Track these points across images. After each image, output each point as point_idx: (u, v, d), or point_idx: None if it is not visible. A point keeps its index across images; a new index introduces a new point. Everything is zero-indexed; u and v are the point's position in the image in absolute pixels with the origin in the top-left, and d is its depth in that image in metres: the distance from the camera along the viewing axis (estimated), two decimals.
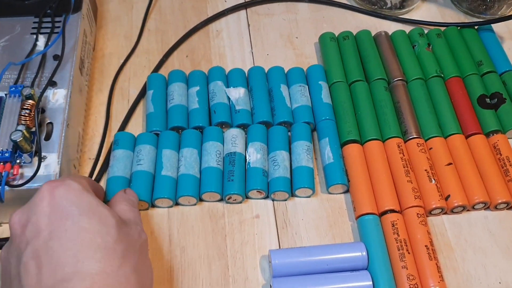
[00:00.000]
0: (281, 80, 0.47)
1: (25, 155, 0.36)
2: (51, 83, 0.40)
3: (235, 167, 0.41)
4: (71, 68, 0.42)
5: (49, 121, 0.38)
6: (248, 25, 0.54)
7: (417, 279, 0.36)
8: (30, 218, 0.29)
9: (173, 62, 0.50)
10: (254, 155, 0.42)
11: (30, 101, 0.37)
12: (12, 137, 0.34)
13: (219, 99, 0.45)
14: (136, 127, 0.46)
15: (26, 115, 0.36)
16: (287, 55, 0.51)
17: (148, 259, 0.33)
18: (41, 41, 0.43)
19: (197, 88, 0.46)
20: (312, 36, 0.53)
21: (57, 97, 0.40)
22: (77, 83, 0.42)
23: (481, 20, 0.55)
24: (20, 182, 0.35)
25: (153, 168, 0.41)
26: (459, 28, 0.52)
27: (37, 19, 0.45)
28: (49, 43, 0.42)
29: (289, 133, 0.44)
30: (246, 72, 0.48)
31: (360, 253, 0.37)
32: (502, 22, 0.52)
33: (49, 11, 0.45)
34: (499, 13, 0.55)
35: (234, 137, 0.42)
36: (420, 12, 0.56)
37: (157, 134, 0.43)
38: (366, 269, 0.37)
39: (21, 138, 0.35)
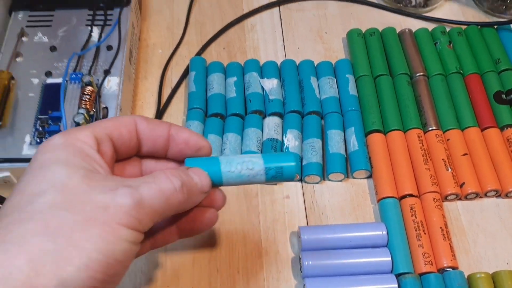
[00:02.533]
0: (311, 72, 0.51)
1: None
2: (106, 72, 0.44)
3: (277, 152, 0.45)
4: (123, 58, 0.46)
5: (104, 106, 0.43)
6: (281, 20, 0.57)
7: (431, 257, 0.40)
8: None
9: (211, 53, 0.54)
10: (293, 141, 0.46)
11: (90, 88, 0.41)
12: (75, 119, 0.39)
13: (254, 89, 0.49)
14: (177, 107, 0.50)
15: (87, 99, 0.41)
16: (317, 49, 0.55)
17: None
18: (95, 32, 0.48)
19: (234, 78, 0.50)
20: (340, 32, 0.57)
21: (111, 84, 0.44)
22: (127, 72, 0.47)
23: (501, 20, 0.58)
24: None
25: None
26: (479, 27, 0.56)
27: (91, 12, 0.49)
28: (102, 35, 0.47)
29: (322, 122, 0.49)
30: (278, 64, 0.52)
31: (381, 232, 0.41)
32: None
33: (102, 4, 0.49)
34: None
35: (276, 125, 0.47)
36: (443, 10, 0.60)
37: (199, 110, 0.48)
38: (386, 246, 0.41)
39: (83, 120, 0.39)
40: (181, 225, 0.32)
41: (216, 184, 0.30)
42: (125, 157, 0.30)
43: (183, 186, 0.27)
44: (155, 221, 0.26)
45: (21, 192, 0.24)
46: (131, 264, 0.26)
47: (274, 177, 0.30)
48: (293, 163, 0.30)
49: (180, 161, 0.31)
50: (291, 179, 0.31)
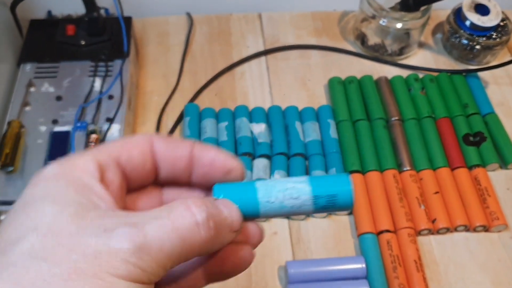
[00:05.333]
0: (296, 117, 0.56)
1: None
2: (109, 120, 0.49)
3: None
4: (124, 106, 0.50)
5: None
6: (267, 68, 0.62)
7: (407, 287, 0.44)
8: None
9: (203, 99, 0.59)
10: None
11: (95, 135, 0.45)
12: None
13: (244, 133, 0.54)
14: None
15: (92, 147, 0.45)
16: (301, 95, 0.60)
17: None
18: (97, 82, 0.52)
19: (226, 123, 0.54)
20: (322, 79, 0.62)
21: (113, 131, 0.48)
22: (127, 118, 0.51)
23: (469, 67, 0.63)
24: None
25: None
26: (449, 74, 0.61)
27: (93, 63, 0.53)
28: (105, 85, 0.51)
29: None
30: (266, 110, 0.57)
31: (360, 265, 0.45)
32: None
33: (103, 57, 0.54)
34: (484, 60, 0.64)
35: (265, 166, 0.51)
36: (417, 58, 0.65)
37: None
38: (365, 278, 0.45)
39: None
40: (208, 267, 0.24)
41: (251, 216, 0.24)
42: (140, 185, 0.25)
43: (209, 220, 0.21)
44: (169, 268, 0.20)
45: None
46: None
47: (325, 207, 0.24)
48: (349, 188, 0.23)
49: (208, 187, 0.25)
50: (347, 208, 0.24)
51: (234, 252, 0.24)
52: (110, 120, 0.49)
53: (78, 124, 0.47)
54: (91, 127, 0.46)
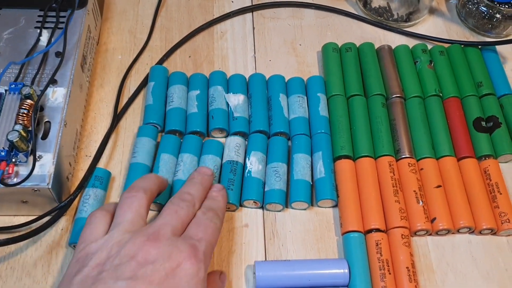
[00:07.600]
0: (281, 89, 0.47)
1: (20, 154, 0.36)
2: (50, 82, 0.40)
3: (236, 176, 0.42)
4: (73, 66, 0.42)
5: (47, 120, 0.39)
6: (253, 28, 0.54)
7: None
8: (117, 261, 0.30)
9: (175, 61, 0.51)
10: (256, 165, 0.42)
11: (29, 101, 0.37)
12: (8, 137, 0.35)
13: (218, 105, 0.46)
14: (133, 120, 0.46)
15: (24, 114, 0.37)
16: (289, 62, 0.52)
17: None
18: (45, 36, 0.43)
19: (197, 92, 0.46)
20: (316, 44, 0.53)
21: (56, 95, 0.40)
22: (77, 81, 0.43)
23: (486, 40, 0.55)
24: (15, 181, 0.36)
25: (148, 160, 0.42)
26: (462, 46, 0.52)
27: (41, 13, 0.45)
28: (52, 40, 0.43)
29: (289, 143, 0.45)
30: (247, 78, 0.49)
31: (342, 270, 0.38)
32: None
33: (54, 5, 0.45)
34: (504, 32, 0.55)
35: (237, 146, 0.43)
36: (426, 26, 0.56)
37: (155, 126, 0.44)
38: (347, 286, 0.38)
39: (18, 139, 0.35)
40: None
41: None
42: None
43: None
44: None
45: None
46: None
47: None
48: None
49: None
50: None
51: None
52: (54, 82, 0.41)
53: (12, 86, 0.38)
54: (25, 90, 0.37)
